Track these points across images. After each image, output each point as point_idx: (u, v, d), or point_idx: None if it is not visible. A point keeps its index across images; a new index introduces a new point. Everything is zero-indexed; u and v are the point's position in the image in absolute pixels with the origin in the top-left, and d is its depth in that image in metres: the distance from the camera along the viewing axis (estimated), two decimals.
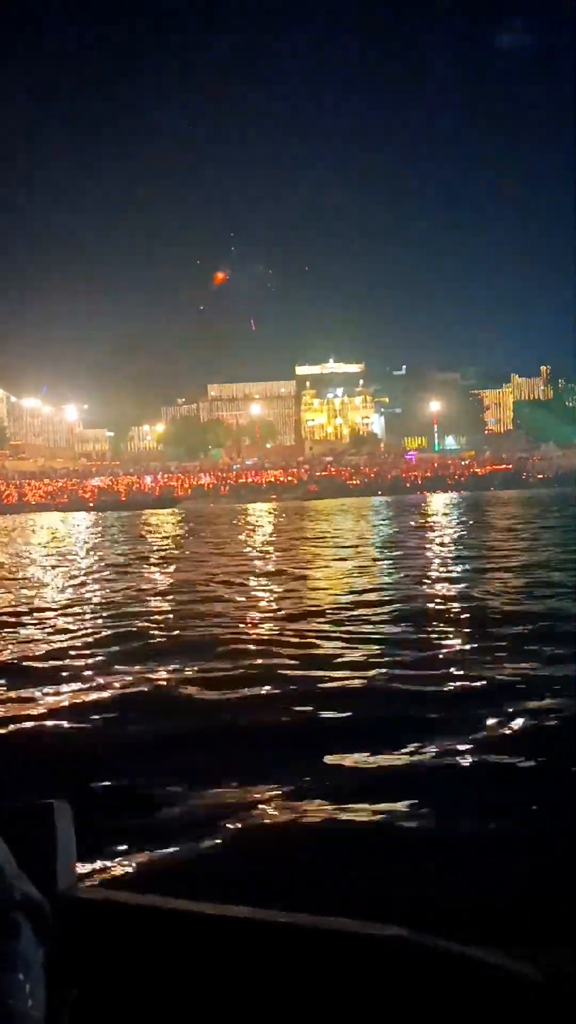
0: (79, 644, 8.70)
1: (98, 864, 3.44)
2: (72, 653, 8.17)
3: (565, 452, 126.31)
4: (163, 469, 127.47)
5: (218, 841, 3.67)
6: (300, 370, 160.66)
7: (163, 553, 23.66)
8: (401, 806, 4.00)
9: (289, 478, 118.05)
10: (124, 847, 3.61)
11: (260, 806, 4.07)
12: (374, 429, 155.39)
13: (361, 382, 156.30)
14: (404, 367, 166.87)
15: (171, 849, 3.61)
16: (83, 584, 15.09)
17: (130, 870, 3.42)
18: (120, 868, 3.44)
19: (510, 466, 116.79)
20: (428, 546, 22.07)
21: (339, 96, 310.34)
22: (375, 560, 18.70)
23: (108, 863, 3.46)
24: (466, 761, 4.60)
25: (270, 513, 58.20)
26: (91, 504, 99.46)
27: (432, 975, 1.14)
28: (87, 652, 8.23)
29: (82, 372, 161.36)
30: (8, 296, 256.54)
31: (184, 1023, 1.24)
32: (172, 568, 18.47)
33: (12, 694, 6.56)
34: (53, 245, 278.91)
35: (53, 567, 19.90)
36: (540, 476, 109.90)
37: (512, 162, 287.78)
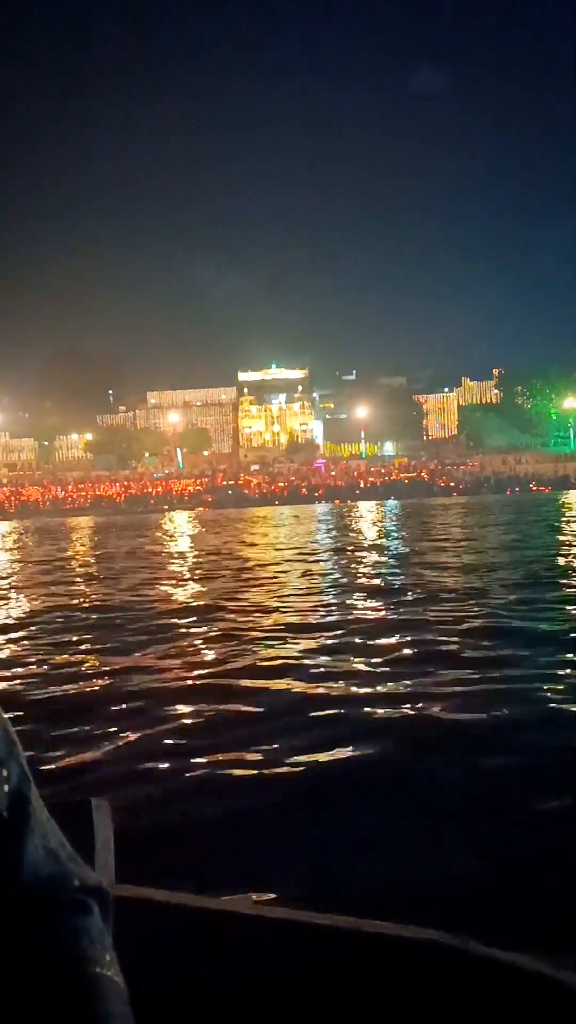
0: None
1: (136, 862, 3.17)
2: None
3: (504, 458, 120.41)
4: (80, 479, 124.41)
5: (256, 841, 3.64)
6: (242, 376, 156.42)
7: None
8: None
9: (198, 487, 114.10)
10: (162, 846, 3.58)
11: (300, 808, 3.96)
12: (315, 435, 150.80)
13: (300, 388, 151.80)
14: (355, 372, 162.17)
15: (210, 850, 3.57)
16: None
17: (168, 869, 3.34)
18: (159, 867, 3.31)
19: (423, 473, 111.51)
20: None
21: (294, 96, 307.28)
22: None
23: (146, 861, 3.27)
24: None
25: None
26: None
27: (466, 980, 1.11)
28: None
29: (20, 381, 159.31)
30: None
31: (218, 1022, 1.24)
32: None
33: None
34: None
35: None
36: (442, 483, 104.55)
37: (476, 155, 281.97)
